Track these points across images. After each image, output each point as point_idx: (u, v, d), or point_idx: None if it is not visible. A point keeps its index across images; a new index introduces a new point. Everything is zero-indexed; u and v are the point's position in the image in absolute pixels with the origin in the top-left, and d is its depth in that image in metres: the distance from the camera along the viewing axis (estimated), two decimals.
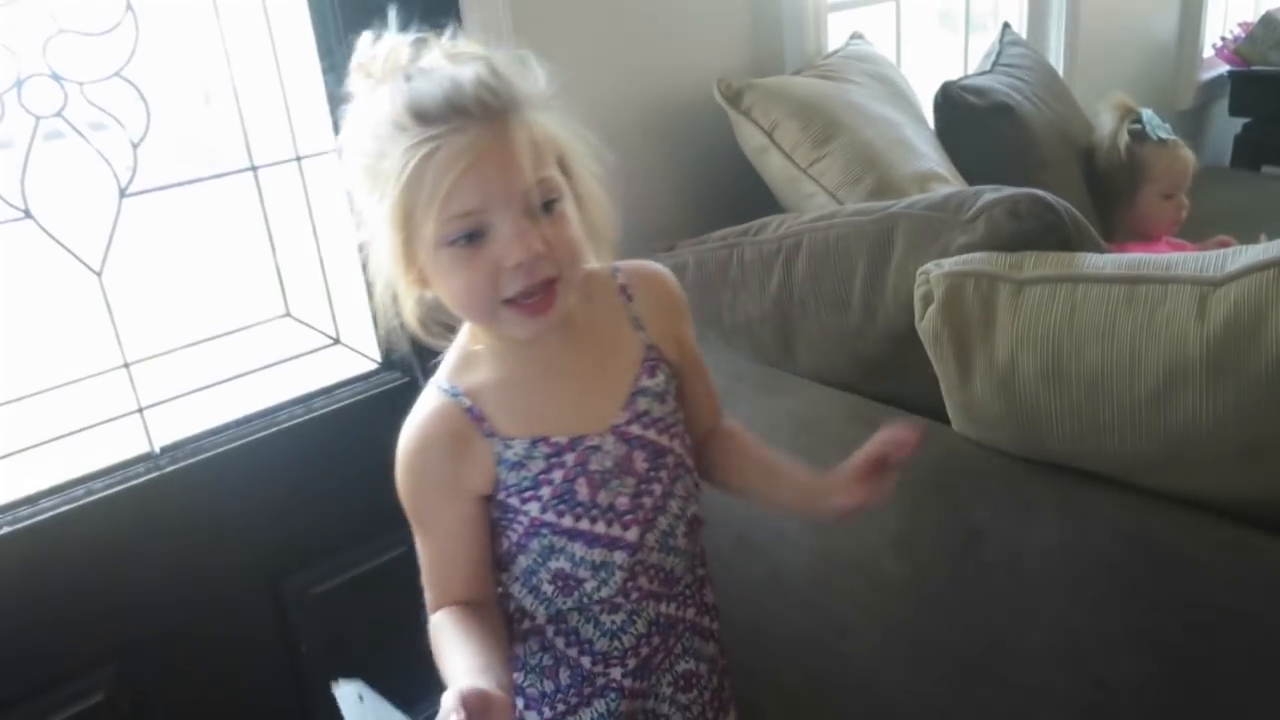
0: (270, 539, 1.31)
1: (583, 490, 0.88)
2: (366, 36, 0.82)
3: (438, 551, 0.90)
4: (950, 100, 1.75)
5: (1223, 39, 2.92)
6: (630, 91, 1.52)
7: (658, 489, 0.91)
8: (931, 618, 1.12)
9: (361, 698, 0.85)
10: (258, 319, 1.29)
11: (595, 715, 0.94)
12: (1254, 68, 2.77)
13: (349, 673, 1.33)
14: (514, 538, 0.89)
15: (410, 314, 0.84)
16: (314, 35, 1.23)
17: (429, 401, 0.88)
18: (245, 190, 1.24)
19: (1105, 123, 1.86)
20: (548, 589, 0.90)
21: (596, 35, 1.46)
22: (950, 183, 1.50)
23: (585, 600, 0.91)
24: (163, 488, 1.21)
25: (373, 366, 1.39)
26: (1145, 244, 1.78)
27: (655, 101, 1.56)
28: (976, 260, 1.00)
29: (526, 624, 0.94)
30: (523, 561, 0.89)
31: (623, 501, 0.89)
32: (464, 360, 0.90)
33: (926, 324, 1.01)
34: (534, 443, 0.87)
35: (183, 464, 1.22)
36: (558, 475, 0.87)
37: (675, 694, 0.97)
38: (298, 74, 1.24)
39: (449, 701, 0.70)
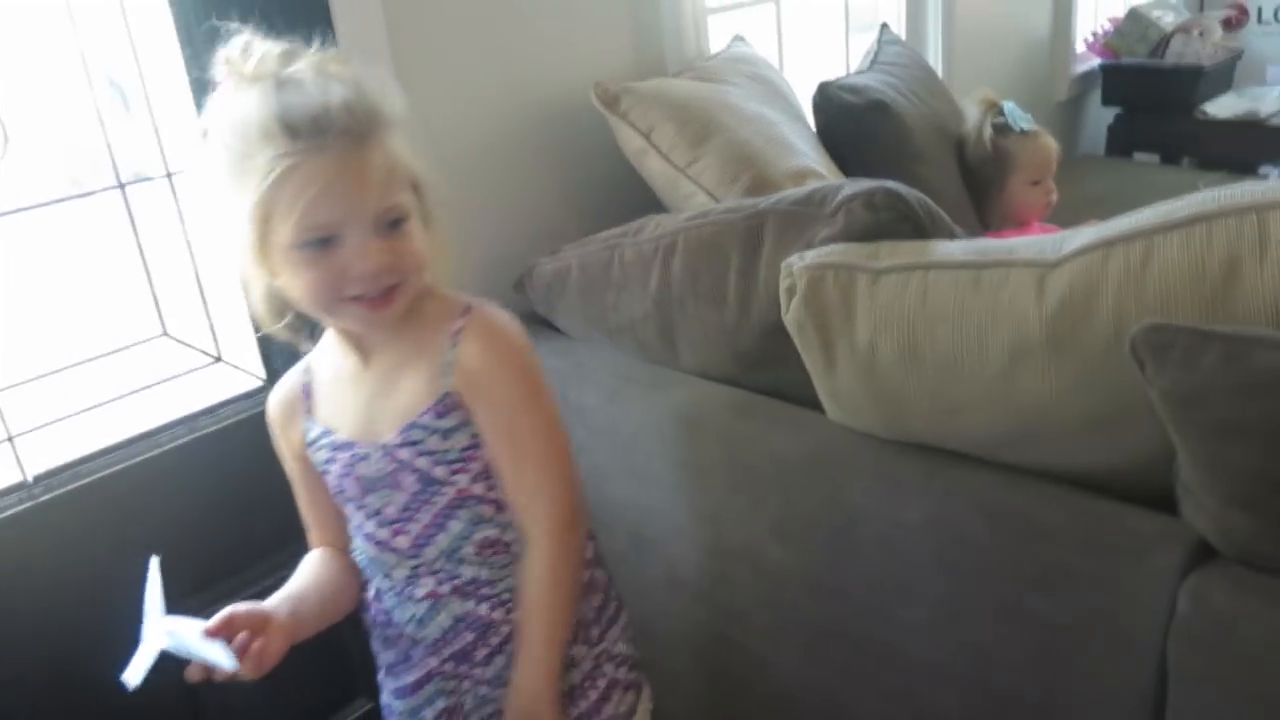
0: (165, 567, 1.28)
1: (352, 489, 0.97)
2: (238, 37, 0.86)
3: (297, 498, 1.06)
4: (828, 99, 1.80)
5: (1094, 34, 3.05)
6: (512, 98, 1.53)
7: (430, 512, 0.96)
8: (817, 600, 1.15)
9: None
10: (134, 339, 1.27)
11: (420, 692, 1.03)
12: (1123, 60, 2.91)
13: (251, 696, 1.31)
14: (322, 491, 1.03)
15: (258, 300, 0.92)
16: (181, 52, 1.21)
17: (290, 373, 1.03)
18: (114, 208, 1.22)
19: (971, 116, 1.93)
20: (360, 558, 1.03)
21: (475, 42, 1.47)
22: (826, 179, 1.54)
23: (382, 586, 1.01)
24: (39, 516, 1.18)
25: (257, 384, 1.37)
26: (1018, 230, 1.85)
27: (537, 107, 1.57)
28: (835, 252, 1.04)
29: (370, 592, 1.04)
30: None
31: (390, 511, 0.97)
32: (322, 345, 1.01)
33: (791, 316, 1.04)
34: (325, 432, 0.99)
35: (59, 491, 1.19)
36: (335, 468, 0.98)
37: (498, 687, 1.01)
38: (163, 89, 1.23)
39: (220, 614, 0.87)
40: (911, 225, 1.06)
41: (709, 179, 1.47)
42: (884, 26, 2.18)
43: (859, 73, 1.98)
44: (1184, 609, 0.84)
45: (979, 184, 1.90)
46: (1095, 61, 2.98)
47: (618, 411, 1.29)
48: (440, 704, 1.03)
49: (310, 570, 1.04)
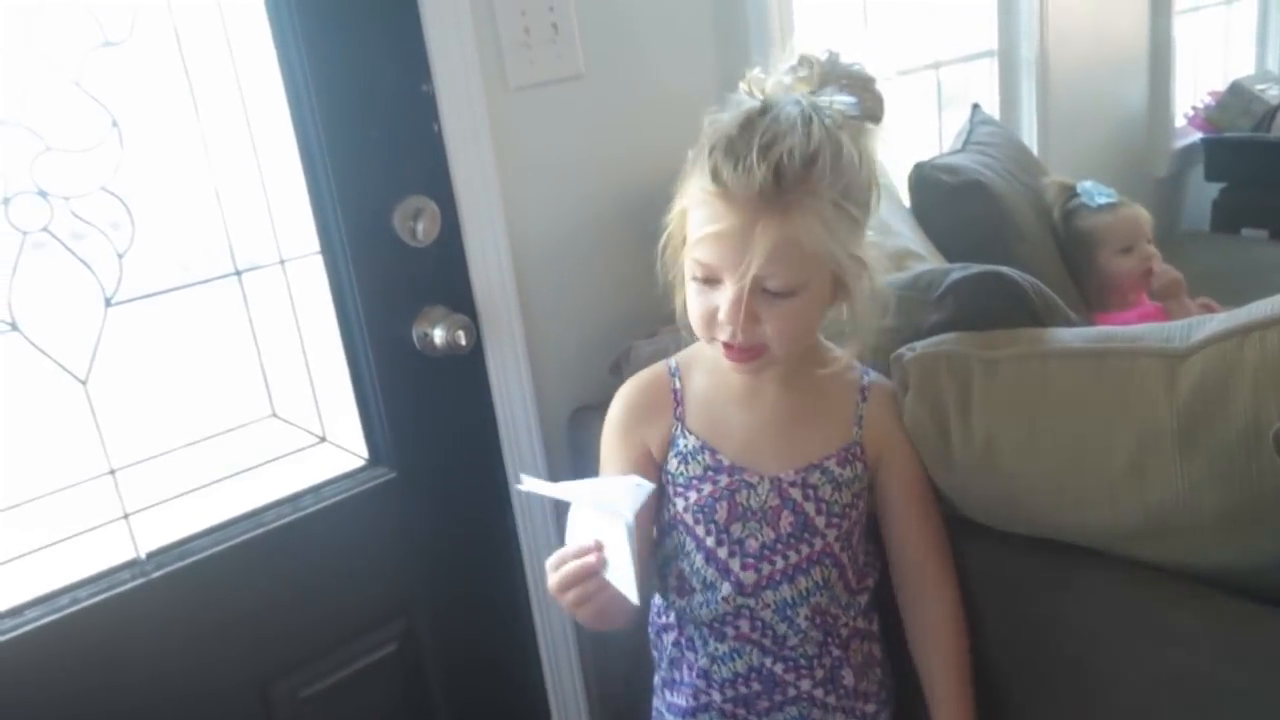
0: (259, 642, 1.29)
1: (721, 512, 0.95)
2: (786, 52, 0.93)
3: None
4: (924, 179, 1.79)
5: (1194, 108, 2.99)
6: (607, 178, 1.55)
7: (792, 558, 0.95)
8: None
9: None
10: (243, 420, 1.30)
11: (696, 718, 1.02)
12: (1225, 134, 2.83)
13: None
14: (664, 519, 1.00)
15: (680, 296, 0.97)
16: (294, 136, 1.26)
17: (650, 371, 1.06)
18: (230, 294, 1.26)
19: (1050, 203, 1.91)
20: (672, 581, 1.00)
21: (573, 124, 1.49)
22: (926, 260, 1.52)
23: (692, 613, 0.99)
24: (150, 593, 1.20)
25: (360, 464, 1.39)
26: (1125, 310, 1.80)
27: (632, 187, 1.58)
28: (948, 341, 1.01)
29: (667, 617, 1.04)
30: (665, 545, 1.00)
31: (752, 544, 0.95)
32: (697, 354, 1.02)
33: (907, 410, 1.01)
34: (703, 447, 0.97)
35: (170, 569, 1.22)
36: (708, 487, 0.96)
37: None
38: (279, 176, 1.27)
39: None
40: (1026, 312, 1.03)
41: None
42: (976, 106, 2.16)
43: (953, 152, 1.96)
44: None
45: (1072, 266, 1.86)
46: (1196, 136, 2.91)
47: None
48: None
49: None
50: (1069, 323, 1.05)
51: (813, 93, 0.90)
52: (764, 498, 0.95)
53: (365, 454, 1.40)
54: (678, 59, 1.61)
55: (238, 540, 1.26)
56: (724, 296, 0.87)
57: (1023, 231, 1.80)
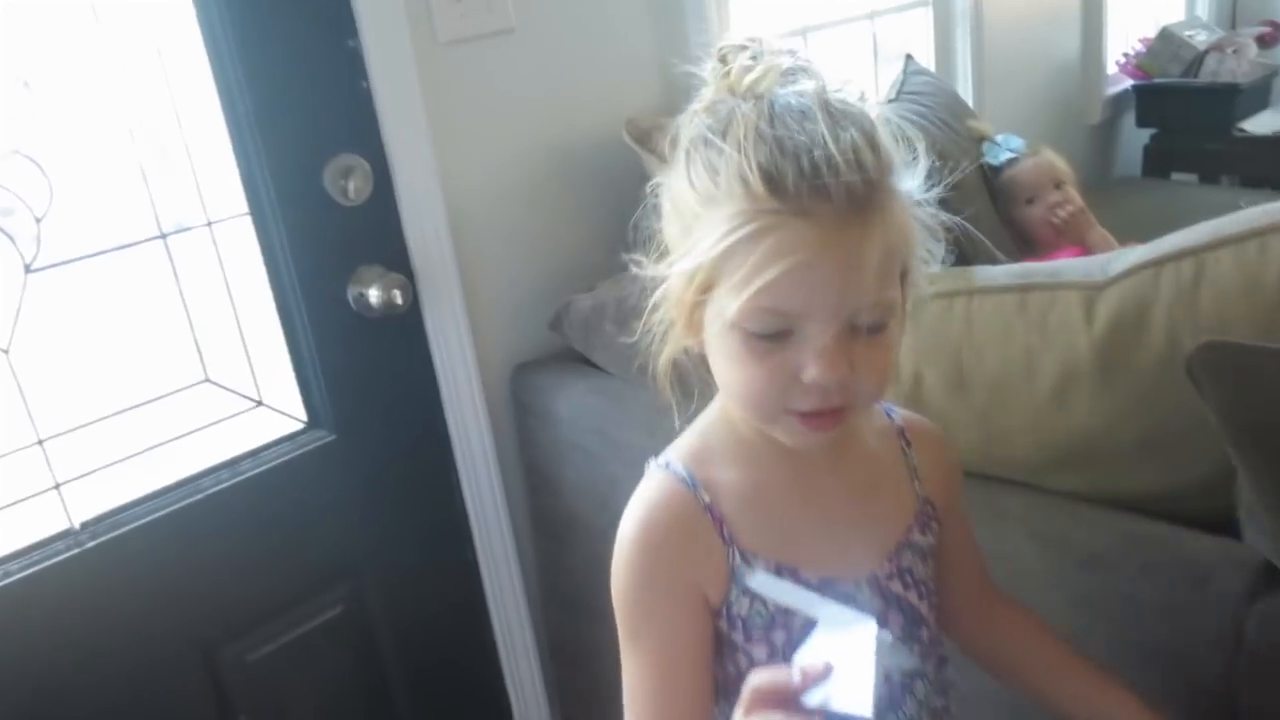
0: (202, 608, 1.28)
1: None
2: (741, 38, 0.69)
3: (656, 670, 0.72)
4: None
5: (1126, 55, 3.03)
6: (541, 131, 1.54)
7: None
8: None
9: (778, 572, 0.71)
10: (176, 386, 1.28)
11: None
12: (1155, 80, 2.88)
13: None
14: (727, 675, 0.73)
15: (666, 359, 0.74)
16: (218, 95, 1.23)
17: (657, 487, 0.74)
18: (157, 258, 1.23)
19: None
20: None
21: (503, 73, 1.48)
22: None
23: None
24: (85, 564, 1.18)
25: (299, 427, 1.38)
26: (1047, 256, 1.83)
27: (567, 143, 1.58)
28: None
29: None
30: (728, 711, 0.67)
31: None
32: (707, 446, 0.76)
33: None
34: (779, 569, 0.72)
35: (105, 538, 1.20)
36: (798, 621, 0.69)
37: None
38: (203, 136, 1.25)
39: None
40: (950, 251, 1.04)
41: None
42: (908, 58, 2.17)
43: (886, 103, 1.97)
44: (1252, 638, 0.81)
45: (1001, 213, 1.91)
46: (1128, 83, 2.95)
47: (653, 444, 1.27)
48: None
49: None
50: (994, 262, 1.07)
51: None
52: (865, 603, 0.73)
53: (304, 417, 1.38)
54: (611, 11, 1.60)
55: (174, 507, 1.25)
56: (811, 347, 0.64)
57: (956, 180, 1.81)
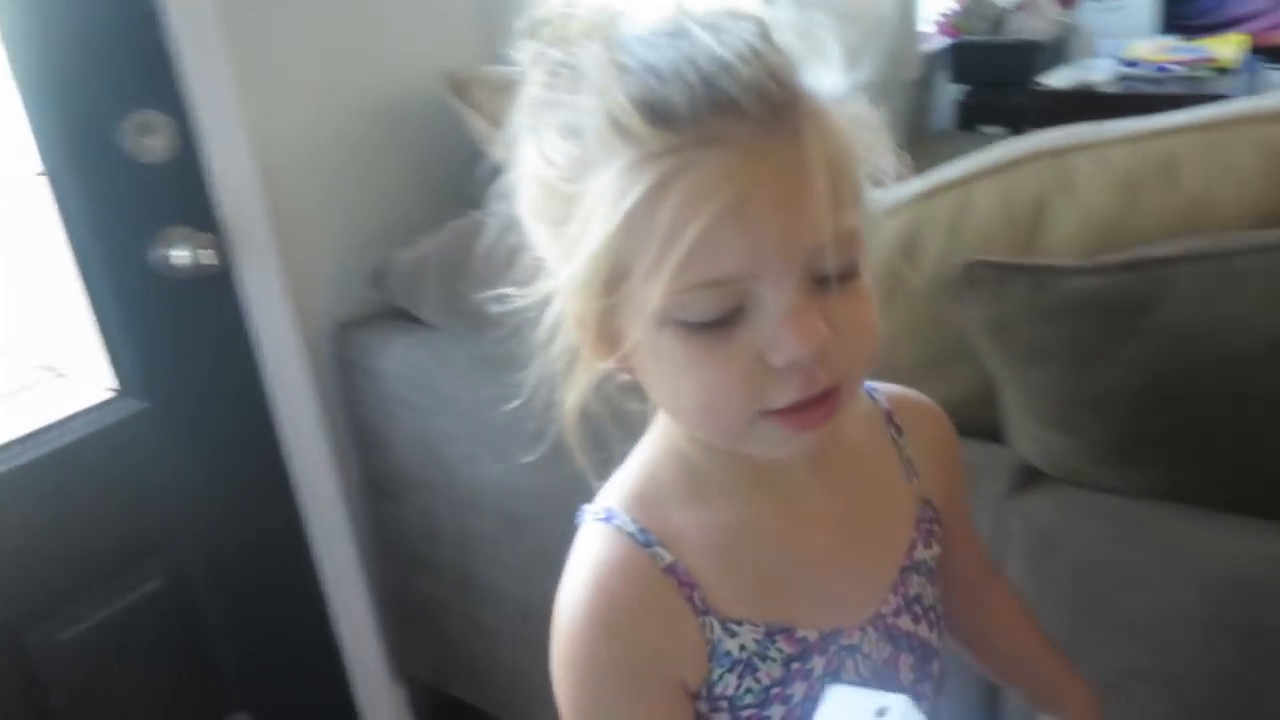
0: (6, 589, 1.22)
1: None
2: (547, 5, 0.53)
3: None
4: None
5: (943, 15, 3.18)
6: (355, 83, 1.50)
7: (924, 705, 0.60)
8: None
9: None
10: None
11: None
12: (967, 38, 3.04)
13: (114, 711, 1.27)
14: None
15: (575, 396, 0.56)
16: (4, 49, 1.16)
17: (602, 551, 0.58)
18: None
19: None
20: None
21: (314, 24, 1.44)
22: None
23: None
24: None
25: (109, 396, 1.32)
26: None
27: (382, 93, 1.55)
28: None
29: None
30: None
31: None
32: (655, 486, 0.59)
33: None
34: (770, 635, 0.58)
35: None
36: (799, 690, 0.58)
37: None
38: None
39: None
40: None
41: None
42: None
43: None
44: (1017, 530, 0.89)
45: None
46: (946, 41, 3.10)
47: (478, 395, 1.29)
48: None
49: None
50: None
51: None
52: (876, 650, 0.61)
53: (115, 385, 1.33)
54: None
55: None
56: (770, 318, 0.49)
57: None
